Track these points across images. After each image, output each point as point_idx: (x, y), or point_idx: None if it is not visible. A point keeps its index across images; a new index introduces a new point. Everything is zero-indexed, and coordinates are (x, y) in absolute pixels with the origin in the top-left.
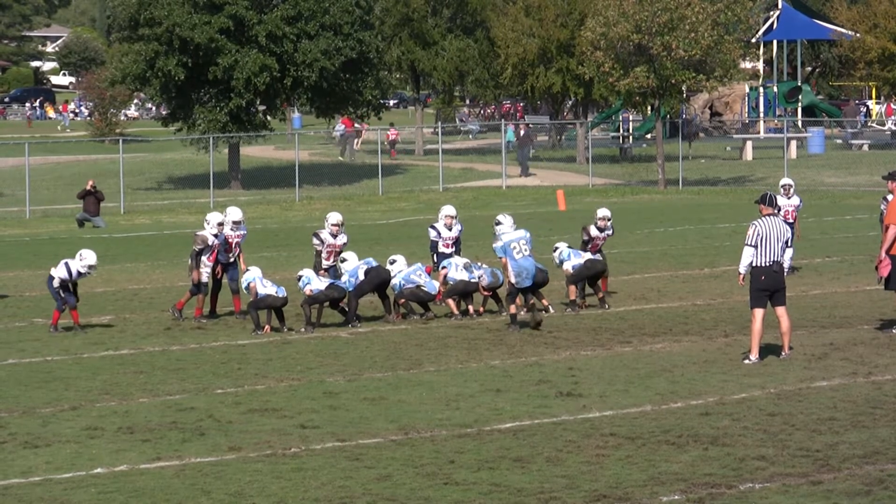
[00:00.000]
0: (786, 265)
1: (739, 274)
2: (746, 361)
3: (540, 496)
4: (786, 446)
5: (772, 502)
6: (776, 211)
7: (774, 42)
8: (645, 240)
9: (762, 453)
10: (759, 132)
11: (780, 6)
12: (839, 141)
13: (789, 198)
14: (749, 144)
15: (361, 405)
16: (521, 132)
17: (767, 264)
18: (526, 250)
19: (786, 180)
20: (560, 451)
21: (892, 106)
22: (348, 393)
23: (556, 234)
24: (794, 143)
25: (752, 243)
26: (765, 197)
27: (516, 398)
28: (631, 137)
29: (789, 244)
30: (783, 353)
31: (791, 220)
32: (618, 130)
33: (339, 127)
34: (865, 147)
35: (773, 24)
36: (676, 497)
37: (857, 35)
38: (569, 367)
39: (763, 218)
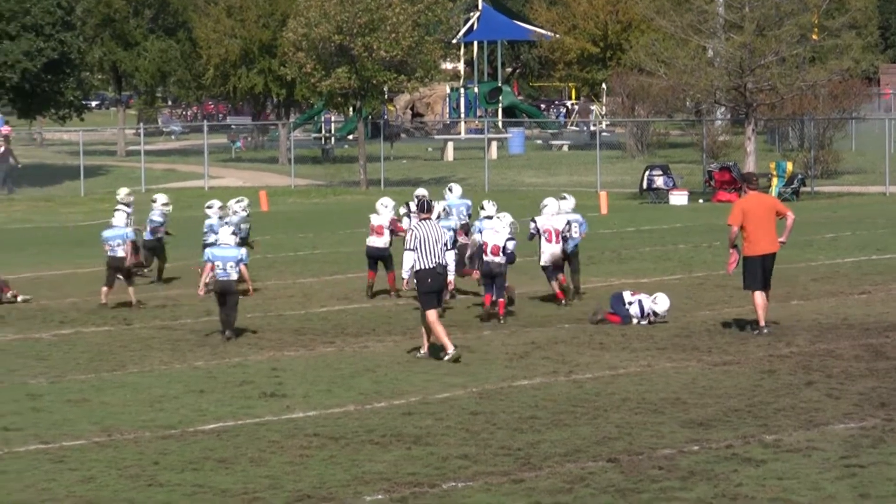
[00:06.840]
0: (451, 266)
1: (403, 279)
2: (418, 355)
3: (244, 496)
4: (488, 445)
5: (474, 501)
6: (431, 215)
7: (475, 43)
8: (348, 240)
9: (465, 452)
10: (460, 133)
11: (480, 7)
12: (539, 141)
13: None
14: (450, 145)
15: (65, 407)
16: (1, 148)
17: (430, 266)
18: None
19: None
20: (263, 452)
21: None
22: (51, 395)
23: (257, 234)
24: (494, 144)
25: (411, 247)
26: (420, 204)
27: (220, 399)
28: (333, 138)
29: (449, 246)
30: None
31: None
32: (320, 131)
33: None
34: (565, 148)
35: (473, 24)
36: (380, 496)
37: (557, 36)
38: (272, 367)
39: (421, 222)
